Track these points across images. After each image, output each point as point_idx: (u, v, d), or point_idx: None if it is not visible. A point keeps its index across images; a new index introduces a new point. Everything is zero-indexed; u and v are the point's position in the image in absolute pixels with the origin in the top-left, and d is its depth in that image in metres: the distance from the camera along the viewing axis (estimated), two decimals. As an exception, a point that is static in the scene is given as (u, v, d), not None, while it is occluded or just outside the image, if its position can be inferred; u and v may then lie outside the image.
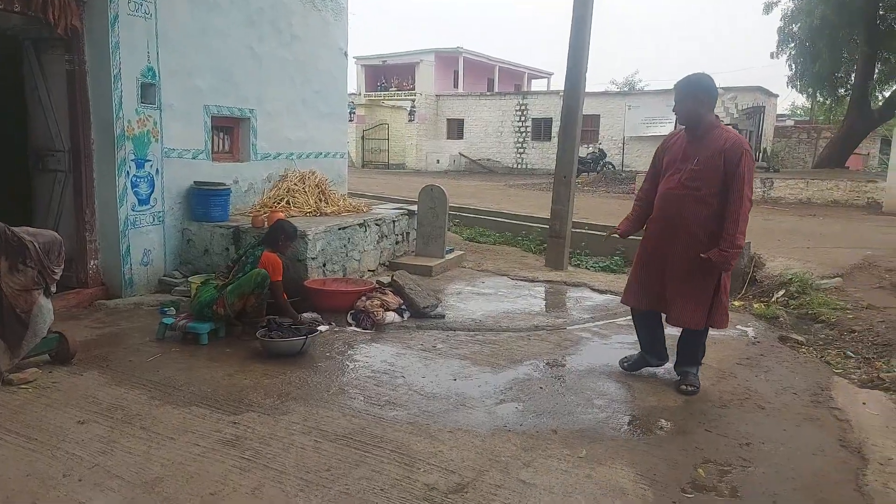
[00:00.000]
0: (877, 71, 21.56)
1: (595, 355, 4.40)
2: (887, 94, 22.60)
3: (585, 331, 5.01)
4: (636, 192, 3.98)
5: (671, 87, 3.63)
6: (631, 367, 4.00)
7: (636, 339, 4.11)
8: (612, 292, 6.15)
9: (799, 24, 21.36)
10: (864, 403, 3.63)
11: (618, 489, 2.66)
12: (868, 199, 14.82)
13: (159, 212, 5.69)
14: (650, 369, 4.03)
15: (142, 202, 5.51)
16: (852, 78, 22.04)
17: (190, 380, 3.72)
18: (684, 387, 3.72)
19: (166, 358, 4.09)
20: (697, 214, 3.50)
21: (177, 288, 5.54)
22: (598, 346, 4.62)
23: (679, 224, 3.56)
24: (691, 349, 3.80)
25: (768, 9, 22.00)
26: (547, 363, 4.25)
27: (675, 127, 3.80)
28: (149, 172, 5.55)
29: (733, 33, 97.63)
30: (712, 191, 3.46)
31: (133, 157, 5.38)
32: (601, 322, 5.26)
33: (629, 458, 2.93)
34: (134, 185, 5.42)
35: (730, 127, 3.73)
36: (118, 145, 5.24)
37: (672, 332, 3.95)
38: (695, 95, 3.52)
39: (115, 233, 5.34)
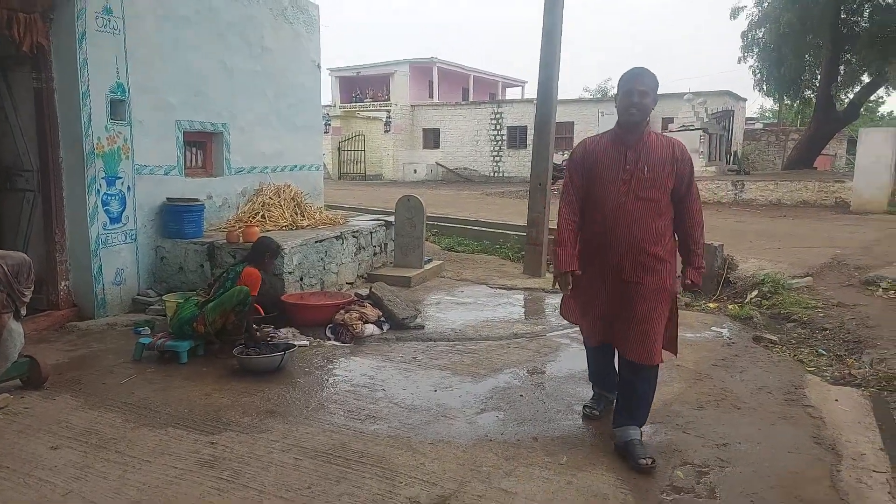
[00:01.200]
0: (840, 73, 22.15)
1: (574, 361, 4.42)
2: (851, 95, 23.23)
3: (564, 337, 5.04)
4: (563, 214, 3.22)
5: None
6: (602, 411, 3.47)
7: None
8: (589, 298, 6.20)
9: (764, 29, 21.89)
10: (836, 400, 3.71)
11: (599, 494, 2.68)
12: (836, 198, 15.19)
13: (132, 230, 5.61)
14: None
15: (113, 220, 5.43)
16: (817, 81, 22.62)
17: (166, 400, 3.66)
18: (644, 461, 2.88)
19: (141, 379, 4.02)
20: (654, 228, 3.03)
21: (151, 307, 5.45)
22: (577, 352, 4.64)
23: (634, 241, 3.01)
24: (646, 395, 3.10)
25: (735, 13, 22.53)
26: (527, 371, 4.27)
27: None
28: (120, 190, 5.47)
29: (702, 39, 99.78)
30: (666, 199, 3.07)
31: (103, 174, 5.30)
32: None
33: (609, 463, 2.96)
34: (105, 203, 5.34)
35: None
36: (88, 163, 5.16)
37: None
38: (657, 91, 3.11)
39: (87, 252, 5.25)
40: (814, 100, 23.31)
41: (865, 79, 22.16)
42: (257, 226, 6.05)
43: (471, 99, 32.32)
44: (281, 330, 4.87)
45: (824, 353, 4.66)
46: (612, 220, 3.05)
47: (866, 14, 20.69)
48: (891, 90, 24.28)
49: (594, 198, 3.13)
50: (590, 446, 3.14)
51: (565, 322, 5.48)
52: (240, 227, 5.92)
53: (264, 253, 4.66)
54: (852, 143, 24.87)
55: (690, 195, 3.12)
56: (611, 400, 3.54)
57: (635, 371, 3.06)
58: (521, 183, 22.50)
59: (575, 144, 3.23)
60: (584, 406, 3.55)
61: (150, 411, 3.51)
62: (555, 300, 6.32)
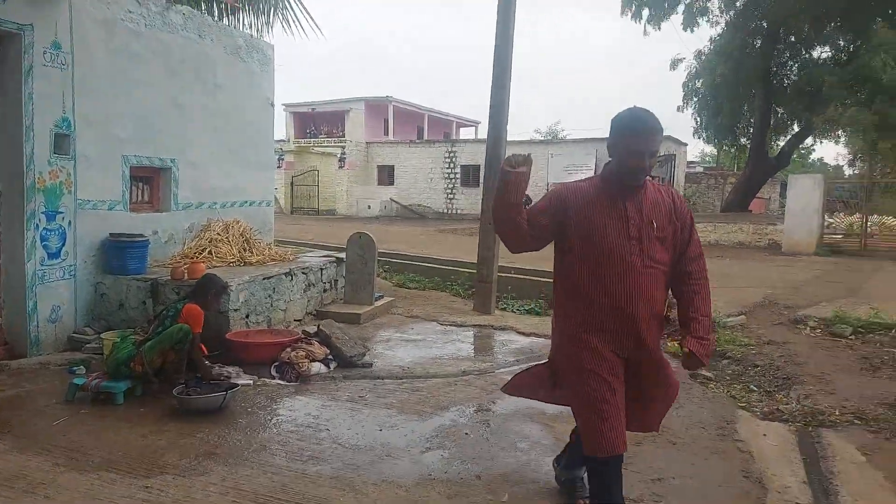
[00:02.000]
0: (772, 123, 23.60)
1: (520, 399, 4.48)
2: (783, 143, 24.74)
3: (512, 374, 5.08)
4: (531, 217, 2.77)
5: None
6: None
7: None
8: (536, 335, 6.33)
9: (701, 81, 23.23)
10: (764, 435, 3.89)
11: (538, 532, 2.73)
12: (769, 240, 15.98)
13: (70, 265, 5.46)
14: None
15: (52, 256, 5.27)
16: (752, 129, 24.02)
17: (99, 443, 3.54)
18: (584, 501, 2.90)
19: (75, 420, 3.88)
20: (661, 297, 2.58)
21: (88, 345, 5.27)
22: (522, 390, 4.72)
23: (653, 311, 2.54)
24: None
25: (674, 65, 23.86)
26: (474, 408, 4.31)
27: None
28: (60, 225, 5.33)
29: (645, 86, 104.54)
30: (671, 262, 2.59)
31: (44, 209, 5.17)
32: (526, 364, 5.36)
33: (549, 499, 3.02)
34: (44, 239, 5.19)
35: None
36: (28, 198, 5.03)
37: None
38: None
39: (22, 289, 5.06)
40: (749, 147, 24.69)
41: (796, 128, 23.67)
42: (203, 262, 5.97)
43: (425, 137, 32.81)
44: (226, 368, 4.78)
45: (755, 389, 4.88)
46: (627, 288, 2.48)
47: (795, 68, 22.24)
48: (819, 139, 25.97)
49: (593, 262, 2.53)
50: (531, 483, 3.19)
51: (512, 359, 5.60)
52: (185, 264, 5.83)
53: (209, 291, 4.61)
54: (785, 188, 26.32)
55: (690, 251, 2.60)
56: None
57: None
58: (475, 220, 22.75)
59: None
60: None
61: (82, 454, 3.38)
62: (503, 337, 6.43)
